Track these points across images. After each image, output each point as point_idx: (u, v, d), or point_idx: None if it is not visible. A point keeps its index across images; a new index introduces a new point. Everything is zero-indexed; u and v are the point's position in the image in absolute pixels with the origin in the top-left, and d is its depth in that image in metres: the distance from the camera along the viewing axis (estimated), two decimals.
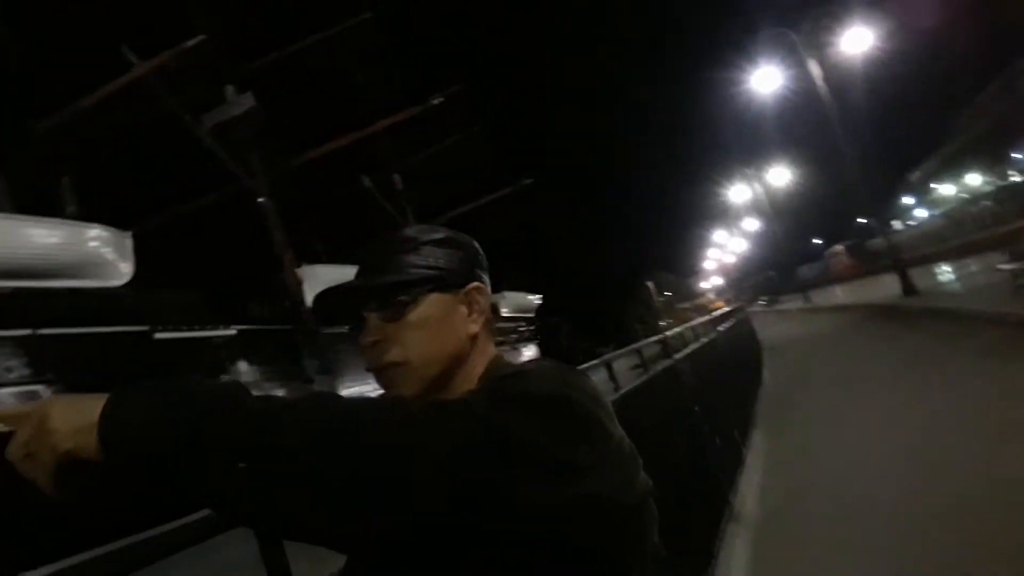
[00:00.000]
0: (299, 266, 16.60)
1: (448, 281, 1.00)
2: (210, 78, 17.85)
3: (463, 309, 1.01)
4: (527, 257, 38.01)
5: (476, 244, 1.08)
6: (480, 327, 1.02)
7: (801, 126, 39.86)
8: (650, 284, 50.50)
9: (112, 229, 10.44)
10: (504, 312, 27.59)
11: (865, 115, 43.03)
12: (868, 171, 27.62)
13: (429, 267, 0.99)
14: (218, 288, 13.83)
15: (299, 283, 15.72)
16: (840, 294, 40.03)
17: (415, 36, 37.15)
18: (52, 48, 14.31)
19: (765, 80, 23.90)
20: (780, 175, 46.65)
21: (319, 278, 14.75)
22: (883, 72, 30.61)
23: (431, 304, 0.98)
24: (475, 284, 1.03)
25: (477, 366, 1.00)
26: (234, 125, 18.84)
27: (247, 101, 19.21)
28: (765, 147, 49.62)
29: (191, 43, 14.59)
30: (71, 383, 9.32)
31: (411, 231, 1.04)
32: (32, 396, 9.00)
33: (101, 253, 10.20)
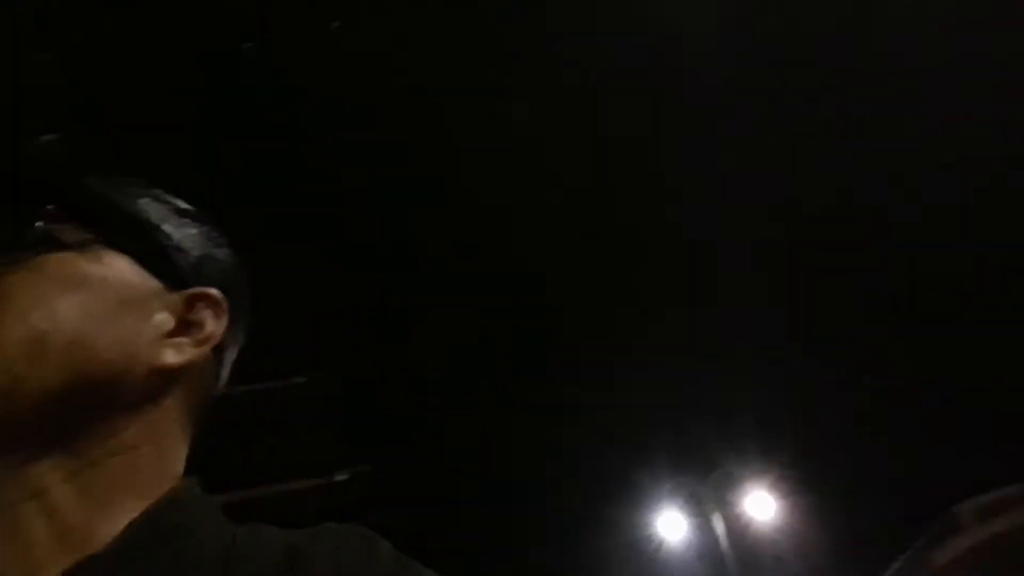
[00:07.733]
0: None
1: (149, 254, 0.53)
2: None
3: (165, 319, 0.52)
4: None
5: (227, 246, 0.61)
6: (186, 362, 0.52)
7: None
8: None
9: None
10: None
11: None
12: None
13: (113, 215, 0.54)
14: None
15: None
16: None
17: None
18: None
19: (671, 526, 23.24)
20: None
21: None
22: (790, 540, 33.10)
23: (103, 266, 0.51)
24: (208, 290, 0.55)
25: (148, 455, 0.49)
26: None
27: None
28: None
29: None
30: None
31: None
32: None
33: None
